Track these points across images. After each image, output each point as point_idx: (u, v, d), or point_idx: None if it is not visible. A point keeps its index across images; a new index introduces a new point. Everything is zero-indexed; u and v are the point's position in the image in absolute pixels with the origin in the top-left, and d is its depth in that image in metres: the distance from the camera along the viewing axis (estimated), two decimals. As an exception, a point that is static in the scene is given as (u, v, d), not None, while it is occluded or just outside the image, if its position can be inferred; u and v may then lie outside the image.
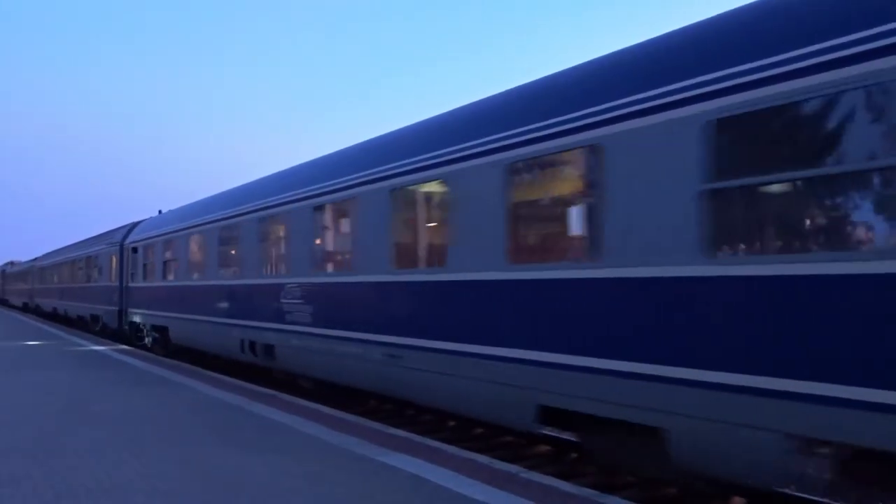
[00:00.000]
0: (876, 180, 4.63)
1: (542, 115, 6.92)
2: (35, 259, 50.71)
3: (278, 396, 11.08)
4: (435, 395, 8.29)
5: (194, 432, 8.27)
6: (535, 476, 6.36)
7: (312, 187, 11.05)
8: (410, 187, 8.93)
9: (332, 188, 10.51)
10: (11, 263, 70.58)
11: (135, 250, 21.47)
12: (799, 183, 5.09)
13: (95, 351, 19.48)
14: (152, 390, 11.82)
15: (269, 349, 12.18)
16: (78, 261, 30.76)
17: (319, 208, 10.82)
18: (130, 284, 21.78)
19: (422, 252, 9.10)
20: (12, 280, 65.10)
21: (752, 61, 5.18)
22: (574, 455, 8.77)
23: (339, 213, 10.69)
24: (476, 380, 7.48)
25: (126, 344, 21.50)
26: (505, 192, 7.24)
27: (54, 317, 38.32)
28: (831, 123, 4.81)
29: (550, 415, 6.76)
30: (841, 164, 4.73)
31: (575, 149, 6.59)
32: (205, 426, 8.65)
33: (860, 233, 4.78)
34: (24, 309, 53.70)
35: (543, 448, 9.23)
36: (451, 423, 10.69)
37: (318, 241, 10.98)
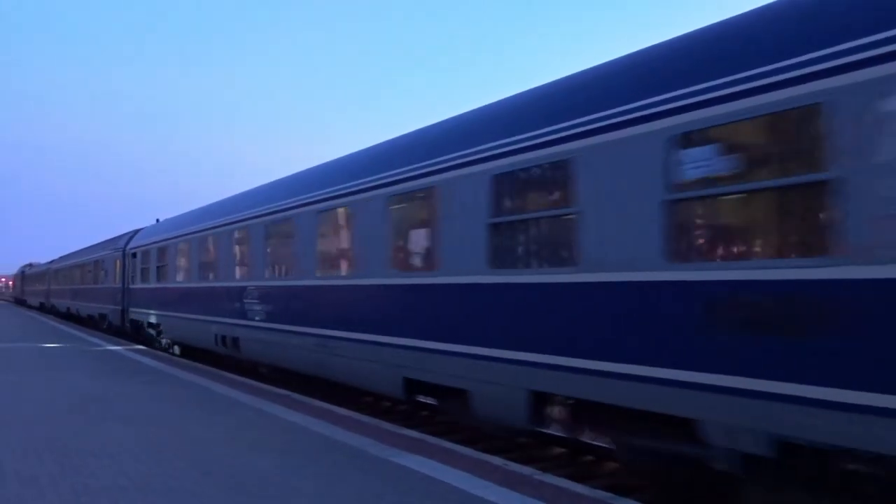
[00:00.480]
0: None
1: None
2: (51, 262, 52.97)
3: (292, 397, 11.15)
4: (347, 374, 10.44)
5: (209, 432, 8.34)
6: (549, 478, 6.37)
7: (264, 208, 13.61)
8: (332, 209, 11.11)
9: (276, 209, 13.02)
10: (30, 265, 72.74)
11: (134, 255, 23.76)
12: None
13: (111, 351, 19.73)
14: (166, 390, 11.93)
15: (235, 341, 14.45)
16: (87, 264, 33.22)
17: (268, 225, 13.30)
18: (131, 286, 24.03)
19: (337, 261, 11.02)
20: (31, 281, 67.40)
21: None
22: (589, 458, 8.76)
23: (282, 230, 12.83)
24: (370, 361, 9.69)
25: (127, 340, 23.41)
26: (387, 214, 9.62)
27: (68, 316, 40.28)
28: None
29: (413, 385, 8.92)
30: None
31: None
32: (219, 426, 8.71)
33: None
34: (41, 308, 55.48)
35: (558, 450, 9.22)
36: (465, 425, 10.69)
37: (268, 251, 13.32)
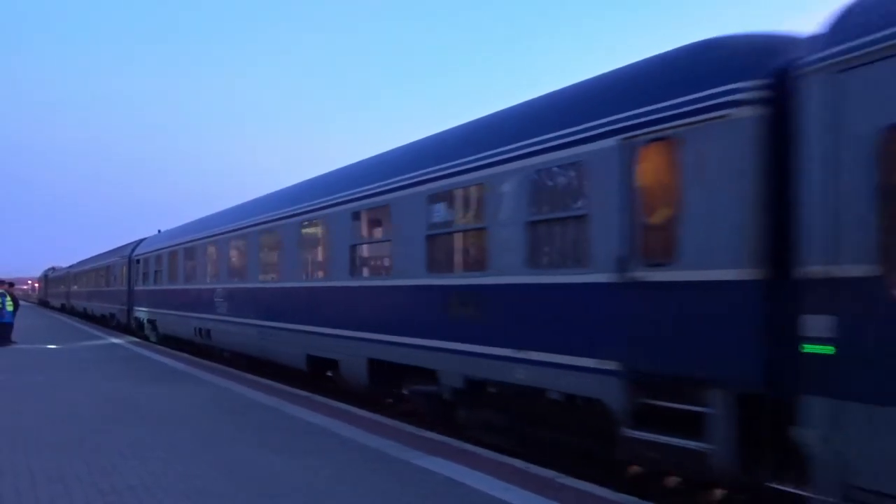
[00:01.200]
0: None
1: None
2: (70, 266, 55.96)
3: (312, 398, 11.22)
4: (276, 355, 13.78)
5: (231, 433, 8.42)
6: (571, 481, 6.29)
7: (225, 227, 17.26)
8: (273, 227, 14.29)
9: (232, 229, 16.72)
10: (53, 269, 75.24)
11: (137, 262, 27.26)
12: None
13: (134, 352, 19.96)
14: (189, 390, 12.10)
15: (207, 332, 17.77)
16: (100, 269, 37.04)
17: (228, 240, 16.88)
18: (135, 288, 27.51)
19: (275, 267, 14.20)
20: (53, 284, 70.44)
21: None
22: (610, 460, 8.68)
23: (239, 244, 16.31)
24: (288, 343, 12.96)
25: (131, 335, 26.77)
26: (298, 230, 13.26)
27: (84, 315, 42.98)
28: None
29: (313, 360, 12.06)
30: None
31: None
32: (241, 427, 8.79)
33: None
34: (62, 309, 57.85)
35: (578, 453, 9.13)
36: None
37: (232, 259, 16.73)
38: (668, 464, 6.05)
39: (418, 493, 5.88)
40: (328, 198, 11.87)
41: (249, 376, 14.23)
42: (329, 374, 12.51)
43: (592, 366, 6.55)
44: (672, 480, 6.94)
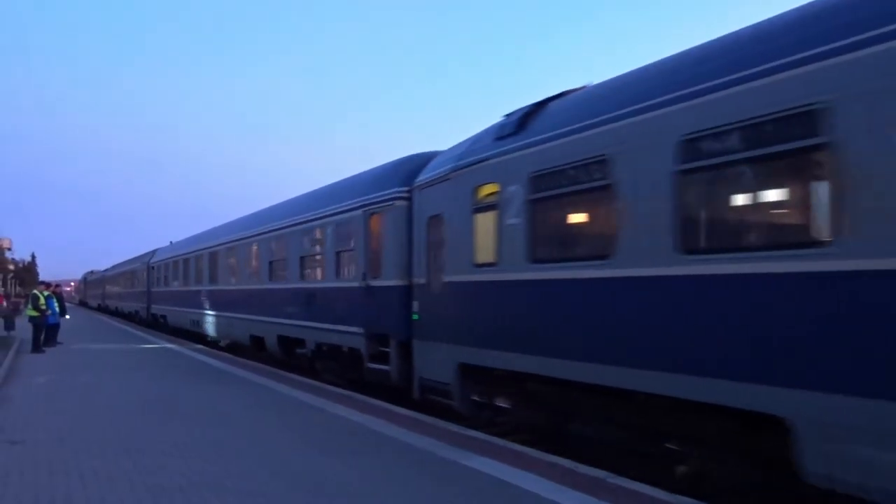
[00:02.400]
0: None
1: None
2: (105, 270, 64.29)
3: (354, 397, 11.20)
4: (237, 336, 19.67)
5: (276, 433, 8.42)
6: (623, 481, 6.10)
7: (207, 244, 23.85)
8: (232, 247, 20.55)
9: (209, 246, 23.41)
10: (91, 272, 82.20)
11: (153, 268, 34.23)
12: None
13: (170, 349, 20.60)
14: (234, 390, 12.19)
15: (198, 323, 24.10)
16: (126, 273, 44.96)
17: (213, 254, 22.74)
18: (152, 290, 34.30)
19: (236, 275, 20.21)
20: (91, 287, 77.73)
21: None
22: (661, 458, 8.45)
23: (213, 258, 22.72)
24: (240, 328, 18.95)
25: (153, 328, 32.81)
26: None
27: (116, 313, 50.29)
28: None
29: (255, 340, 17.57)
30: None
31: None
32: (286, 427, 8.80)
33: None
34: (98, 308, 64.83)
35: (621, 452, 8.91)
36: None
37: (210, 269, 22.97)
38: (380, 378, 11.42)
39: (468, 494, 5.76)
40: (259, 228, 18.26)
41: (291, 376, 14.27)
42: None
43: (354, 331, 12.17)
44: (725, 480, 6.72)
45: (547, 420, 8.23)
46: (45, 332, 20.62)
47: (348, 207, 12.73)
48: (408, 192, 10.93)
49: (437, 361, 9.67)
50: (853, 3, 5.11)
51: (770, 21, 5.98)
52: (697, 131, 5.82)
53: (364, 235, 11.96)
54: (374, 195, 11.81)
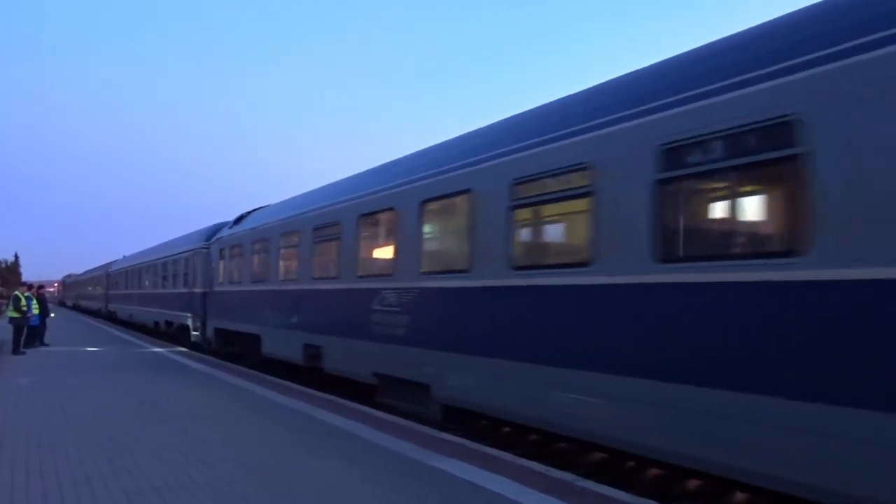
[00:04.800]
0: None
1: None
2: (80, 275, 73.29)
3: (338, 402, 11.25)
4: (143, 321, 31.07)
5: (258, 436, 8.45)
6: (591, 484, 6.27)
7: (130, 263, 37.15)
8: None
9: (130, 265, 36.77)
10: (69, 276, 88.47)
11: (110, 275, 44.81)
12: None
13: (155, 353, 20.28)
14: (212, 391, 12.22)
15: (133, 315, 34.06)
16: (93, 278, 56.40)
17: (167, 264, 27.81)
18: (109, 292, 44.73)
19: (141, 284, 32.72)
20: (69, 288, 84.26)
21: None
22: (631, 463, 8.66)
23: (131, 272, 35.75)
24: (143, 317, 31.47)
25: (110, 320, 42.09)
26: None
27: (86, 311, 57.92)
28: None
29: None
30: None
31: None
32: (269, 430, 8.84)
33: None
34: (74, 308, 71.88)
35: (598, 455, 9.13)
36: (506, 430, 10.65)
37: (136, 280, 33.26)
38: (195, 338, 22.13)
39: (441, 495, 5.89)
40: (144, 259, 31.35)
41: (278, 380, 14.33)
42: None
43: (185, 314, 23.03)
44: (693, 483, 6.90)
45: (237, 349, 18.33)
46: (26, 334, 20.54)
47: (181, 252, 24.71)
48: (207, 245, 21.59)
49: (211, 328, 20.21)
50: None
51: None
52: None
53: (186, 266, 23.77)
54: (191, 247, 23.30)
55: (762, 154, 5.38)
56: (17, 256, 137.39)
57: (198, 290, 21.78)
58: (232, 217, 20.84)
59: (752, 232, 5.90)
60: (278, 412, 10.29)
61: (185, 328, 22.89)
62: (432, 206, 9.71)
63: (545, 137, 7.67)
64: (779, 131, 5.25)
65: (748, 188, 5.89)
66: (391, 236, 10.57)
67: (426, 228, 9.87)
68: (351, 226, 11.73)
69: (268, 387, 13.22)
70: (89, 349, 21.86)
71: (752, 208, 5.91)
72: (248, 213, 19.39)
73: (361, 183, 12.13)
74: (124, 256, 43.24)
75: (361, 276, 11.28)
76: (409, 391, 9.88)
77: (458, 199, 9.07)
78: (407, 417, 9.83)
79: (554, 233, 8.47)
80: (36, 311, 21.20)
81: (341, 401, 11.34)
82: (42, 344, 21.78)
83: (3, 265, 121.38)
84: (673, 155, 6.04)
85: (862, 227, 4.70)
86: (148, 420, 9.41)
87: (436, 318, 9.31)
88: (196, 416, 9.75)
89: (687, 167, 5.96)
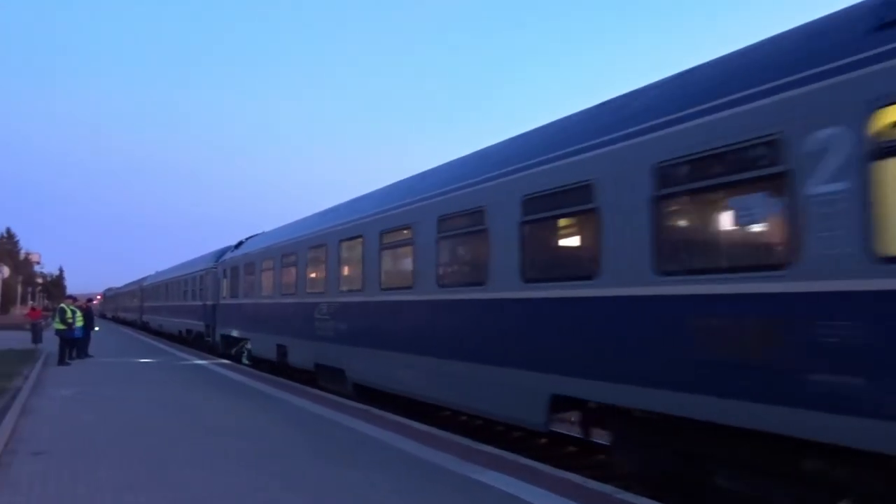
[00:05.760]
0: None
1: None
2: (119, 288, 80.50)
3: (371, 411, 11.28)
4: (169, 329, 36.39)
5: (294, 446, 8.51)
6: (630, 496, 6.20)
7: (158, 279, 43.59)
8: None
9: (158, 281, 43.03)
10: (110, 289, 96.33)
11: (143, 289, 50.36)
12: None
13: (195, 364, 20.63)
14: (253, 403, 12.34)
15: (162, 325, 38.90)
16: (129, 292, 63.39)
17: (170, 284, 36.85)
18: (144, 304, 50.03)
19: (166, 297, 38.45)
20: (110, 301, 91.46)
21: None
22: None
23: (158, 286, 42.11)
24: (170, 327, 36.20)
25: (144, 330, 47.94)
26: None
27: (123, 322, 65.15)
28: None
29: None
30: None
31: None
32: (303, 440, 8.89)
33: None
34: (114, 319, 77.93)
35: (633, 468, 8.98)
36: (542, 441, 10.60)
37: (163, 293, 38.89)
38: (208, 343, 25.73)
39: (479, 508, 5.86)
40: (164, 277, 39.15)
41: (309, 389, 14.46)
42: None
43: (200, 323, 27.30)
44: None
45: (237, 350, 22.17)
46: (72, 345, 21.07)
47: (197, 270, 28.94)
48: (215, 265, 25.15)
49: (218, 335, 23.78)
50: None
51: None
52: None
53: (200, 283, 27.83)
54: (204, 266, 27.34)
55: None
56: (61, 270, 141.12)
57: (209, 302, 25.84)
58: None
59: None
60: (310, 421, 10.41)
61: (201, 335, 27.28)
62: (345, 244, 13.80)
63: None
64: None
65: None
66: (317, 264, 15.12)
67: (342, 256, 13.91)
68: (304, 254, 15.90)
69: (301, 396, 13.39)
70: (134, 360, 22.35)
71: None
72: (248, 238, 23.54)
73: (307, 224, 16.86)
74: (156, 272, 48.23)
75: (308, 292, 15.40)
76: (334, 375, 13.61)
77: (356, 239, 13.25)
78: (337, 395, 13.16)
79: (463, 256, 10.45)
80: (80, 324, 21.71)
81: (374, 410, 11.37)
82: (87, 355, 22.32)
83: (49, 279, 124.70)
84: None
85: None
86: (192, 431, 9.52)
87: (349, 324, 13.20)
88: (238, 429, 9.81)
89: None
